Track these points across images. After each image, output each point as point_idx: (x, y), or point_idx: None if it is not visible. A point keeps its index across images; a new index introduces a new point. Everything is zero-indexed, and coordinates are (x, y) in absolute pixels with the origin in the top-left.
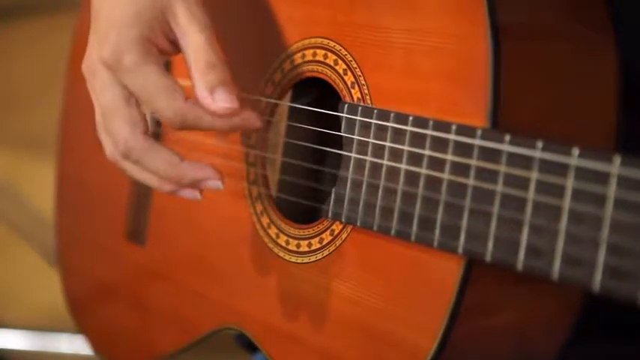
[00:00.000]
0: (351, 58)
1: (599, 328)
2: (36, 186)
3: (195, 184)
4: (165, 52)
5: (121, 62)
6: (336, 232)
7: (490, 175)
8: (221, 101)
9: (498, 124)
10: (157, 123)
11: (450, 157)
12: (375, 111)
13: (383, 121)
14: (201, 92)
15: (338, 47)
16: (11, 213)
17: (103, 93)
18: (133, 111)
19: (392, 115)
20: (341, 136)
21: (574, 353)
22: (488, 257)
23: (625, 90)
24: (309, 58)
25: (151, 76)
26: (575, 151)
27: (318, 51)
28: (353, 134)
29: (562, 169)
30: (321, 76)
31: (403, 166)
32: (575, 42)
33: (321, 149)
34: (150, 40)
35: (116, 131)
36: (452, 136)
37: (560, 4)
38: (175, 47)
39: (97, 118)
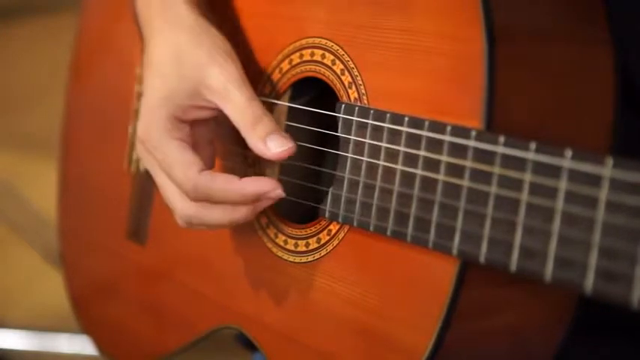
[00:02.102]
0: (348, 58)
1: (595, 328)
2: (36, 186)
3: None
4: (200, 118)
5: (149, 138)
6: (333, 232)
7: (484, 177)
8: (275, 147)
9: (493, 125)
10: None
11: (444, 158)
12: (372, 111)
13: (379, 121)
14: (255, 144)
15: (335, 47)
16: (11, 213)
17: (150, 168)
18: (183, 156)
19: (388, 115)
20: (338, 136)
21: (570, 352)
22: (482, 258)
23: (623, 90)
24: (307, 57)
25: (171, 151)
26: (568, 153)
27: (316, 51)
28: (350, 134)
29: (555, 171)
30: (319, 75)
31: (399, 166)
32: (572, 42)
33: (320, 149)
34: (176, 118)
35: (172, 202)
36: (447, 137)
37: (557, 5)
38: (212, 111)
39: (161, 192)
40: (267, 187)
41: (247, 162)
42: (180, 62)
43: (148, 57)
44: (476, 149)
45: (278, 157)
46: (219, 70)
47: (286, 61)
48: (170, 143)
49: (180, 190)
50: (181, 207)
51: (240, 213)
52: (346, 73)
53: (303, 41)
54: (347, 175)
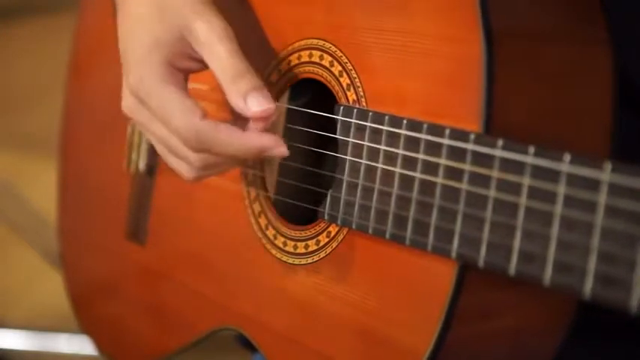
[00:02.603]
0: (346, 60)
1: (593, 331)
2: (36, 186)
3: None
4: (192, 70)
5: (142, 87)
6: (332, 234)
7: (483, 180)
8: (255, 105)
9: (492, 127)
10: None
11: (443, 161)
12: (370, 113)
13: (378, 124)
14: (235, 100)
15: (334, 49)
16: (11, 213)
17: (148, 126)
18: (184, 102)
19: (386, 118)
20: (337, 138)
21: (570, 354)
22: (481, 262)
23: (622, 91)
24: (306, 59)
25: (168, 97)
26: (567, 158)
27: (314, 52)
28: (348, 137)
29: (554, 175)
30: (317, 77)
31: (397, 169)
32: (570, 43)
33: (318, 151)
34: (170, 64)
35: (177, 126)
36: (445, 141)
37: (555, 6)
38: (202, 63)
39: (157, 149)
40: (270, 143)
41: (246, 162)
42: (162, 10)
43: (123, 9)
44: (474, 152)
45: (257, 115)
46: (201, 21)
47: (285, 62)
48: (167, 88)
49: (179, 139)
50: (187, 154)
51: (243, 159)
52: (344, 74)
53: (302, 42)
54: (345, 177)
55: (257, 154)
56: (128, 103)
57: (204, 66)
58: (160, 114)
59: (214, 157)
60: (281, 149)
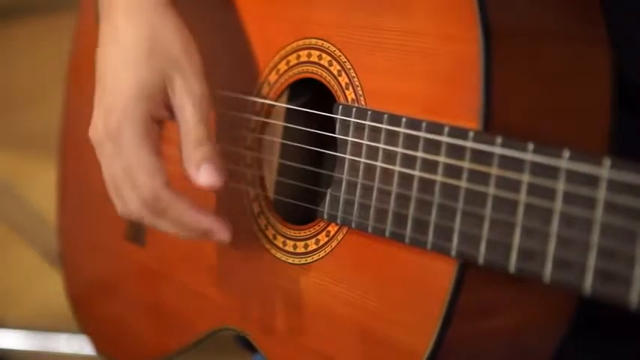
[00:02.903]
0: (344, 59)
1: (594, 327)
2: (36, 186)
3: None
4: (164, 118)
5: (122, 139)
6: (331, 234)
7: (482, 178)
8: (206, 176)
9: (491, 126)
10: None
11: (442, 159)
12: (369, 112)
13: (376, 122)
14: (189, 165)
15: (332, 48)
16: (11, 213)
17: (109, 163)
18: (154, 164)
19: (385, 116)
20: (336, 137)
21: (570, 352)
22: (480, 259)
23: (621, 90)
24: (304, 59)
25: (142, 156)
26: (566, 154)
27: (313, 52)
28: (347, 136)
29: (553, 172)
30: (316, 77)
31: (397, 167)
32: (569, 42)
33: (317, 150)
34: (152, 116)
35: (125, 199)
36: (444, 138)
37: (554, 5)
38: (172, 114)
39: (105, 179)
40: (218, 227)
41: (246, 162)
42: (152, 50)
43: (108, 25)
44: (473, 150)
45: (203, 185)
46: (182, 78)
47: (283, 62)
48: (143, 147)
49: (137, 195)
50: (136, 202)
51: (186, 233)
52: (343, 74)
53: (300, 42)
54: (345, 176)
55: (202, 234)
56: (97, 135)
57: (172, 116)
58: (128, 169)
59: (159, 220)
60: (224, 235)
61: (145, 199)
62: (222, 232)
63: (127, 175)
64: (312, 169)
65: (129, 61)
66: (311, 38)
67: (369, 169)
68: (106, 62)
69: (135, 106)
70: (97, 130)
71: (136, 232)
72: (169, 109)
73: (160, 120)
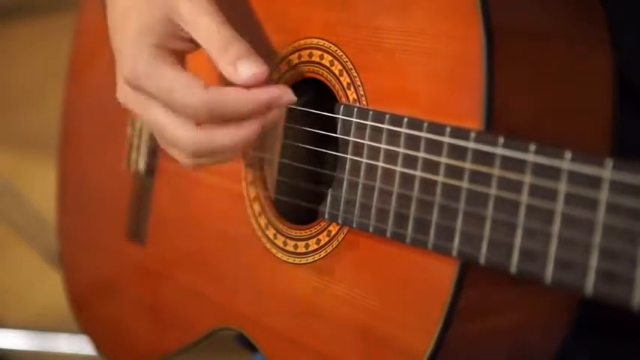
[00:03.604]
0: (346, 59)
1: (595, 328)
2: (36, 186)
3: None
4: (185, 51)
5: (137, 73)
6: (332, 234)
7: (484, 178)
8: (246, 71)
9: (493, 126)
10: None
11: (444, 159)
12: (371, 112)
13: (378, 122)
14: (226, 70)
15: (334, 48)
16: (11, 213)
17: (144, 115)
18: (175, 118)
19: (387, 116)
20: (337, 137)
21: (570, 352)
22: (482, 260)
23: (622, 90)
24: (306, 58)
25: (165, 76)
26: (568, 155)
27: (315, 52)
28: (349, 136)
29: (555, 173)
30: (318, 76)
31: (398, 168)
32: (571, 42)
33: (319, 150)
34: (162, 47)
35: (180, 144)
36: (446, 139)
37: (555, 5)
38: (193, 43)
39: (157, 138)
40: (278, 92)
41: (247, 161)
42: None
43: (112, 2)
44: (475, 151)
45: (249, 81)
46: (185, 1)
47: (285, 61)
48: (163, 66)
49: (182, 118)
50: (187, 136)
51: (252, 128)
52: (345, 74)
53: (302, 42)
54: (346, 176)
55: (267, 107)
56: (124, 93)
57: (195, 45)
58: (162, 95)
59: (215, 136)
60: (288, 96)
61: (196, 112)
62: (285, 94)
63: (164, 107)
64: (313, 168)
65: (128, 11)
66: (313, 38)
67: (371, 169)
68: (113, 26)
69: (140, 44)
70: (121, 88)
71: (137, 231)
72: (185, 39)
73: (178, 52)
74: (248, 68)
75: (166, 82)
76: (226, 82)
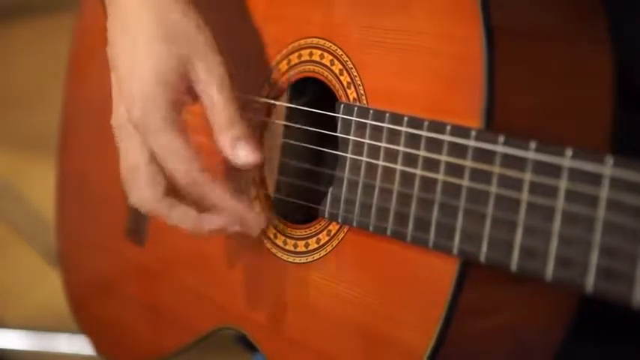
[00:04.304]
0: (347, 59)
1: (595, 327)
2: (36, 186)
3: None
4: (187, 104)
5: (148, 126)
6: (332, 233)
7: (484, 176)
8: (243, 154)
9: (493, 125)
10: None
11: (444, 157)
12: (371, 111)
13: (378, 121)
14: (224, 147)
15: (334, 47)
16: (11, 213)
17: (131, 151)
18: (155, 171)
19: (387, 115)
20: (337, 136)
21: (571, 351)
22: (482, 258)
23: (622, 90)
24: (306, 58)
25: (174, 142)
26: (569, 152)
27: (315, 51)
28: (349, 134)
29: (555, 171)
30: (318, 76)
31: (398, 166)
32: (571, 42)
33: (319, 149)
34: (175, 103)
35: (141, 189)
36: (446, 137)
37: (555, 4)
38: (194, 97)
39: (122, 169)
40: (252, 220)
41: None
42: (169, 35)
43: (118, 18)
44: (476, 149)
45: (242, 163)
46: (206, 64)
47: (285, 61)
48: (173, 133)
49: (158, 178)
50: (151, 196)
51: (216, 223)
52: (345, 73)
53: (302, 41)
54: (346, 175)
55: (237, 220)
56: (123, 124)
57: (195, 100)
58: (159, 152)
59: (176, 209)
60: (259, 225)
61: (184, 184)
62: (258, 223)
63: (154, 162)
64: (313, 167)
65: (141, 46)
66: (313, 37)
67: (371, 168)
68: (118, 49)
69: (156, 93)
70: (119, 116)
71: (136, 231)
72: (190, 94)
73: (182, 106)
74: (245, 153)
75: (170, 150)
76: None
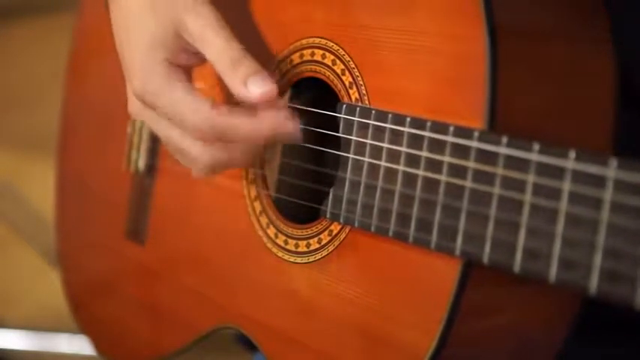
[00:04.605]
0: (349, 59)
1: (597, 327)
2: (36, 186)
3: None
4: (192, 65)
5: (147, 90)
6: (334, 233)
7: (487, 178)
8: (257, 89)
9: (495, 125)
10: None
11: (447, 158)
12: (373, 112)
13: (381, 122)
14: (236, 88)
15: (336, 47)
16: (11, 213)
17: (156, 127)
18: (183, 137)
19: (390, 116)
20: (339, 136)
21: (573, 352)
22: (485, 259)
23: (622, 90)
24: (308, 58)
25: (175, 96)
26: (572, 154)
27: (317, 51)
28: (351, 135)
29: (559, 172)
30: (320, 76)
31: (401, 167)
32: (573, 42)
33: (320, 150)
34: (170, 61)
35: (193, 155)
36: (449, 138)
37: (558, 5)
38: (199, 57)
39: (169, 150)
40: (282, 120)
41: (255, 157)
42: (154, 4)
43: (117, 10)
44: (478, 150)
45: (260, 99)
46: (194, 14)
47: (287, 61)
48: (174, 86)
49: (194, 136)
50: (200, 152)
51: (272, 118)
52: (347, 73)
53: (304, 41)
54: (348, 175)
55: (271, 133)
56: (134, 108)
57: (203, 59)
58: (170, 114)
59: (225, 151)
60: (293, 126)
61: (202, 133)
62: (290, 124)
63: (174, 125)
64: (314, 168)
65: (134, 21)
66: (314, 37)
67: (373, 169)
68: (116, 27)
69: (149, 58)
70: (132, 103)
71: (136, 230)
72: (193, 53)
73: (185, 67)
74: (258, 87)
75: (176, 103)
76: (232, 96)
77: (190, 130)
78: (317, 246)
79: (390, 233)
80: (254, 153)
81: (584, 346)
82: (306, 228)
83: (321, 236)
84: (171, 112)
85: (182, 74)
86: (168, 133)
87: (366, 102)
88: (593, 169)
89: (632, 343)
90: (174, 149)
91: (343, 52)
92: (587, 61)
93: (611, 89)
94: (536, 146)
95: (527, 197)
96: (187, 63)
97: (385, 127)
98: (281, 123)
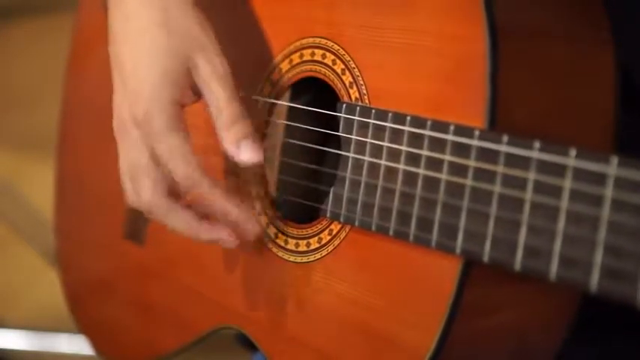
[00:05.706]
0: (349, 58)
1: (597, 326)
2: (36, 186)
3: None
4: (190, 103)
5: (152, 126)
6: (334, 232)
7: (488, 176)
8: (247, 153)
9: (496, 125)
10: None
11: (447, 157)
12: (373, 111)
13: (381, 121)
14: (227, 144)
15: (336, 47)
16: (11, 213)
17: (132, 150)
18: (157, 172)
19: (390, 115)
20: (340, 135)
21: (573, 351)
22: (485, 258)
23: (624, 90)
24: (308, 57)
25: (176, 142)
26: (573, 152)
27: (317, 51)
28: (351, 134)
29: (559, 170)
30: (319, 75)
31: (401, 166)
32: (574, 42)
33: (320, 149)
34: (178, 103)
35: (141, 189)
36: (450, 137)
37: (558, 5)
38: (197, 95)
39: (121, 167)
40: (249, 223)
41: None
42: (170, 33)
43: (121, 17)
44: (479, 148)
45: (246, 161)
46: (205, 59)
47: (286, 60)
48: (177, 135)
49: (159, 177)
50: (150, 196)
51: (214, 235)
52: (347, 72)
53: (304, 41)
54: (348, 174)
55: (233, 222)
56: (124, 124)
57: (198, 97)
58: (160, 153)
59: (178, 213)
60: (254, 231)
61: (182, 184)
62: (249, 227)
63: (155, 162)
64: (314, 167)
65: (145, 45)
66: (314, 37)
67: (373, 168)
68: (122, 50)
69: (161, 93)
70: (121, 117)
71: (135, 230)
72: (192, 92)
73: (184, 105)
74: (248, 151)
75: (174, 150)
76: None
77: (165, 171)
78: (317, 245)
79: (391, 232)
80: (188, 233)
81: (582, 345)
82: (307, 227)
83: (322, 235)
84: (165, 156)
85: (182, 119)
86: (141, 162)
87: (366, 101)
88: (593, 166)
89: (631, 343)
90: (133, 174)
91: (343, 52)
92: (588, 61)
93: (611, 89)
94: (537, 144)
95: (528, 195)
96: (189, 101)
97: (385, 126)
98: (244, 220)
